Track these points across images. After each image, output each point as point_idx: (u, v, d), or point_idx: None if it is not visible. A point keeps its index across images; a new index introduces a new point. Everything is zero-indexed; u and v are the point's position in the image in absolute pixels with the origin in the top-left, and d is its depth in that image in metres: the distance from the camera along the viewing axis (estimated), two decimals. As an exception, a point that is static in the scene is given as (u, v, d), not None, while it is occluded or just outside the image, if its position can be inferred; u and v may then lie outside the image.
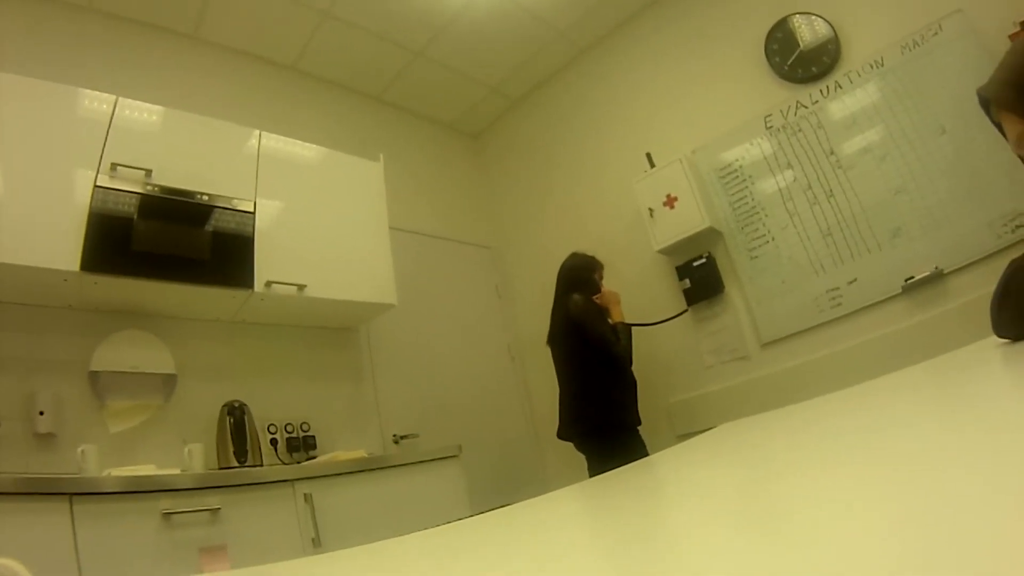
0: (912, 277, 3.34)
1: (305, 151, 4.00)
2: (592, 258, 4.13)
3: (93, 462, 2.94)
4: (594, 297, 3.91)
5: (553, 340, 4.00)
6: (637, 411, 3.83)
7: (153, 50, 4.13)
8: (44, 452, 3.12)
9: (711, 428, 3.84)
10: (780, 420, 1.53)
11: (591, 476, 3.63)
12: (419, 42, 4.74)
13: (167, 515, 2.46)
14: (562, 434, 3.88)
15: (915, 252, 3.37)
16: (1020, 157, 1.41)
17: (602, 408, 3.73)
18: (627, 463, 3.65)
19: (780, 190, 3.83)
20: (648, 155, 4.36)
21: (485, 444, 4.38)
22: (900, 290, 3.39)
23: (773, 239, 3.80)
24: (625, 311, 4.08)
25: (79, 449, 2.93)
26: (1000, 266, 1.30)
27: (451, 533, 1.11)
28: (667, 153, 4.28)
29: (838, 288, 3.60)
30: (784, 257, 3.78)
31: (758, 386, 3.82)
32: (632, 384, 3.86)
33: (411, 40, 4.73)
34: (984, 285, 3.05)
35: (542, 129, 5.49)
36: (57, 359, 3.27)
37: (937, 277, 3.29)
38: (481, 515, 1.30)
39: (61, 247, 2.88)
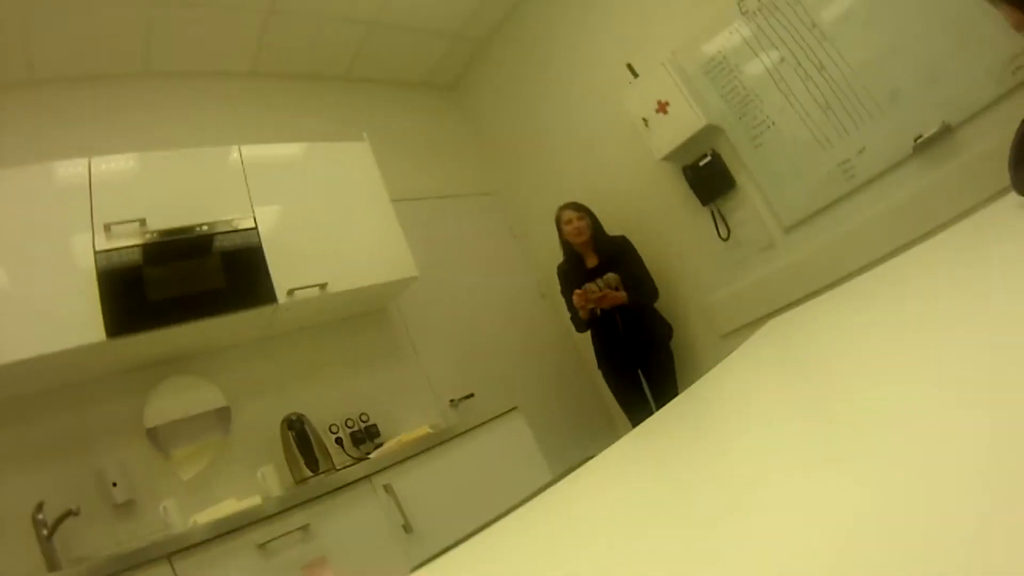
0: (921, 136, 3.23)
1: (288, 151, 3.93)
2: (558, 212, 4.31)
3: (177, 515, 3.01)
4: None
5: None
6: (611, 354, 4.19)
7: (109, 99, 4.04)
8: (128, 520, 3.19)
9: (752, 322, 3.93)
10: (826, 312, 1.49)
11: None
12: (370, 11, 4.61)
13: (262, 546, 2.50)
14: None
15: (918, 111, 3.26)
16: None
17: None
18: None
19: (769, 73, 3.70)
20: (629, 66, 4.24)
21: (540, 384, 4.38)
22: (911, 151, 3.29)
23: (773, 123, 3.70)
24: (638, 224, 4.34)
25: (161, 507, 3.00)
26: (1006, 112, 1.27)
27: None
28: (648, 60, 4.15)
29: (848, 160, 3.50)
30: (788, 139, 3.68)
31: (788, 271, 3.78)
32: (600, 333, 4.21)
33: (361, 12, 4.61)
34: (993, 133, 3.01)
35: (517, 65, 5.37)
36: (112, 427, 3.32)
37: (945, 132, 3.18)
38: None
39: (82, 322, 2.89)
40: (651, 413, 4.05)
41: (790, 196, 3.74)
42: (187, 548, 2.37)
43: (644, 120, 4.05)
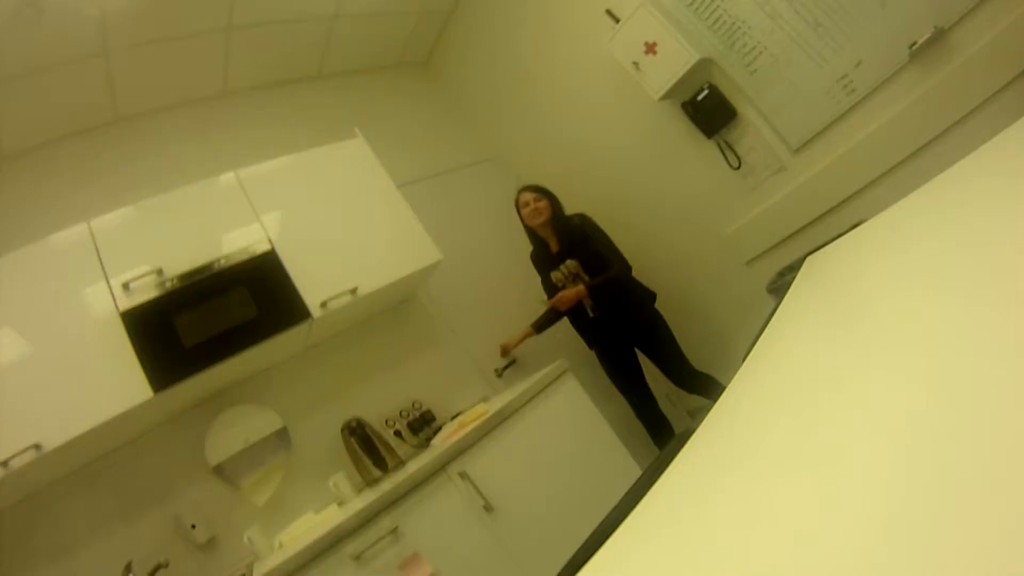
0: (915, 43, 3.16)
1: (285, 164, 3.87)
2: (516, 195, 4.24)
3: (262, 541, 3.06)
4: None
5: None
6: (594, 339, 4.20)
7: (87, 157, 3.97)
8: (214, 558, 3.28)
9: (775, 245, 3.93)
10: (870, 246, 1.44)
11: None
12: (327, 6, 4.53)
13: (357, 557, 2.54)
14: None
15: (909, 17, 3.17)
16: None
17: None
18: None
19: None
20: (609, 11, 4.14)
21: (576, 338, 4.37)
22: (908, 58, 3.22)
23: (765, 48, 3.59)
24: (645, 167, 4.45)
25: (245, 537, 3.05)
26: (996, 7, 1.23)
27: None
28: (627, 3, 3.99)
29: (847, 75, 3.42)
30: (782, 62, 3.59)
31: (803, 192, 3.75)
32: (575, 322, 4.21)
33: (320, 9, 4.52)
34: (986, 31, 2.96)
35: (490, 28, 5.24)
36: (178, 472, 3.39)
37: (939, 35, 3.10)
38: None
39: (126, 384, 2.92)
40: (647, 390, 4.04)
41: (794, 118, 3.67)
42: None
43: (635, 64, 3.96)
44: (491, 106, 5.51)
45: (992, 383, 0.50)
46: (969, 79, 3.03)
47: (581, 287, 3.87)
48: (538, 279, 4.24)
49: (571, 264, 4.00)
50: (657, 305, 4.07)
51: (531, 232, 4.20)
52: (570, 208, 4.15)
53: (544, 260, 4.17)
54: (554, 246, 4.11)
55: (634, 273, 4.04)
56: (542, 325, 4.25)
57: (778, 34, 3.54)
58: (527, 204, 4.08)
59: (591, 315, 4.00)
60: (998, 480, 0.40)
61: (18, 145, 3.78)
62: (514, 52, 5.10)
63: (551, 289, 4.03)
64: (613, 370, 4.18)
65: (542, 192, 4.12)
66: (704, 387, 3.82)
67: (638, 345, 4.10)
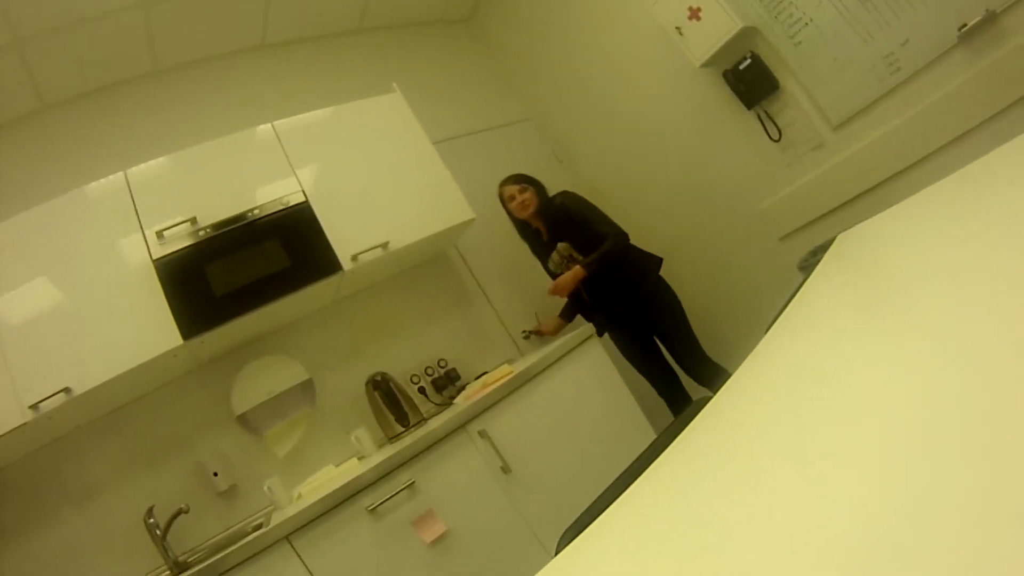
0: (965, 25, 3.04)
1: (321, 117, 3.86)
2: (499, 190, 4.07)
3: (282, 492, 3.10)
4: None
5: None
6: (594, 322, 3.93)
7: (125, 108, 3.98)
8: (234, 506, 3.36)
9: (810, 223, 3.88)
10: (902, 226, 1.41)
11: None
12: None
13: (372, 510, 2.58)
14: None
15: None
16: None
17: None
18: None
19: None
20: None
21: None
22: (956, 40, 3.11)
23: (811, 20, 3.49)
24: (686, 134, 4.32)
25: (265, 486, 3.09)
26: None
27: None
28: None
29: (893, 53, 3.31)
30: (828, 35, 3.48)
31: (841, 170, 3.67)
32: (578, 302, 4.09)
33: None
34: None
35: None
36: (203, 420, 3.46)
37: (990, 19, 2.99)
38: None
39: (157, 331, 2.97)
40: (665, 366, 3.92)
41: (836, 94, 3.58)
42: (304, 527, 2.46)
43: (678, 29, 3.88)
44: (531, 66, 5.42)
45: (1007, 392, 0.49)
46: (1019, 66, 2.94)
47: (577, 269, 3.70)
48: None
49: (562, 247, 3.86)
50: (681, 276, 3.98)
51: (521, 225, 4.06)
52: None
53: (538, 250, 4.06)
54: (544, 233, 3.97)
55: (641, 239, 3.92)
56: (569, 314, 4.18)
57: (825, 6, 3.44)
58: (512, 198, 3.93)
59: (585, 299, 3.95)
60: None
61: (58, 95, 3.80)
62: (558, 11, 5.00)
63: (552, 276, 3.90)
64: (627, 350, 4.05)
65: (526, 181, 3.98)
66: (711, 378, 3.65)
67: (645, 320, 3.92)
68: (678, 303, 3.83)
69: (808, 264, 3.31)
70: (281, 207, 3.42)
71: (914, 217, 1.36)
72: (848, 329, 1.00)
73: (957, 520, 0.40)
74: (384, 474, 2.67)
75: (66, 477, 3.13)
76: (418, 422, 3.51)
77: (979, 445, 0.45)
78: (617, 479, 1.12)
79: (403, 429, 3.47)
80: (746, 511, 0.62)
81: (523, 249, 4.15)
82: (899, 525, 0.43)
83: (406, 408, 3.55)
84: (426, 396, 3.91)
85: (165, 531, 2.97)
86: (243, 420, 3.48)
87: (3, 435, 2.68)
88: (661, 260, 3.89)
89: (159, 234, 3.12)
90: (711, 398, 1.09)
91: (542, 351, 3.49)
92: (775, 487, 0.62)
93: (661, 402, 3.93)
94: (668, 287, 3.84)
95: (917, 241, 1.20)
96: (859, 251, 1.45)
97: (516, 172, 4.03)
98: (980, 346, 0.60)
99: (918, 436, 0.52)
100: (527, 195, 3.89)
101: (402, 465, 2.72)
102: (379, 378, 3.62)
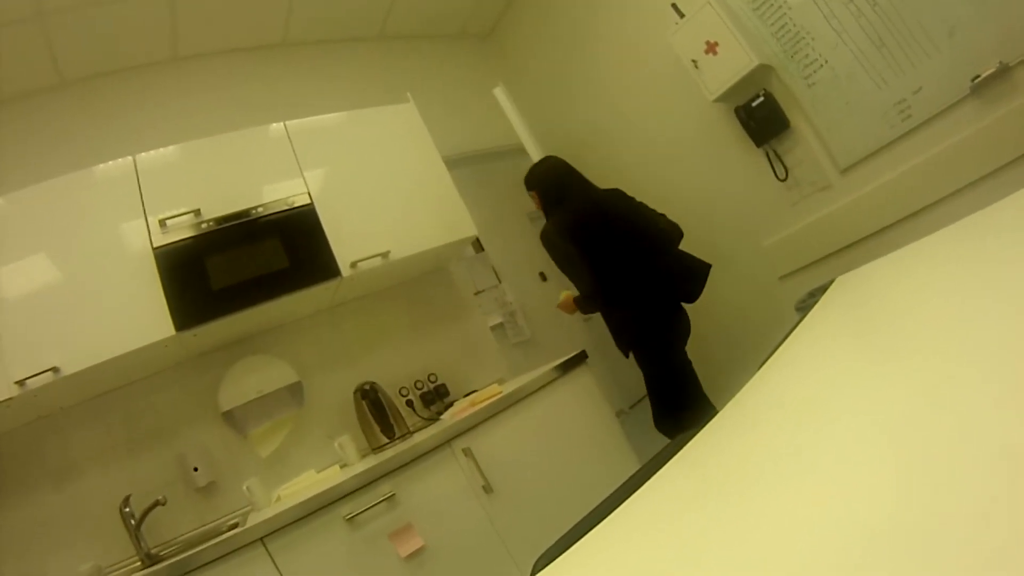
0: (978, 76, 3.07)
1: (334, 121, 3.87)
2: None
3: (261, 493, 3.08)
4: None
5: None
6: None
7: (140, 92, 3.99)
8: (211, 502, 3.33)
9: (810, 264, 3.88)
10: (901, 271, 1.41)
11: None
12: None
13: (350, 519, 2.55)
14: None
15: (975, 49, 3.08)
16: None
17: None
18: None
19: (819, 8, 3.48)
20: (674, 5, 4.04)
21: (596, 324, 4.33)
22: (968, 91, 3.13)
23: (827, 62, 3.51)
24: (694, 167, 4.34)
25: (244, 486, 3.07)
26: None
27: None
28: None
29: (905, 100, 3.33)
30: (842, 78, 3.51)
31: (845, 213, 3.68)
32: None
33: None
34: None
35: (554, 7, 5.16)
36: (188, 414, 3.43)
37: (1003, 72, 3.02)
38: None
39: (150, 319, 2.95)
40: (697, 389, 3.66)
41: (846, 137, 3.60)
42: (279, 529, 2.43)
43: (694, 62, 3.89)
44: (546, 88, 5.44)
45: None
46: (1026, 120, 2.94)
47: (567, 294, 3.71)
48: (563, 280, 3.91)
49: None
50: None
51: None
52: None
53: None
54: None
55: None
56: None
57: (841, 49, 3.45)
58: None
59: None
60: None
61: (76, 72, 3.80)
62: (577, 36, 5.02)
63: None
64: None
65: (527, 185, 3.94)
66: (669, 431, 3.50)
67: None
68: (650, 369, 3.62)
69: (805, 305, 3.31)
70: (285, 207, 3.41)
71: (913, 263, 1.37)
72: (840, 370, 1.00)
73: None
74: (365, 484, 2.64)
75: (47, 457, 3.10)
76: (403, 434, 3.50)
77: (971, 492, 0.44)
78: (597, 507, 1.11)
79: (388, 440, 3.45)
80: (726, 547, 0.62)
81: (522, 269, 4.13)
82: (885, 567, 0.43)
83: (392, 419, 3.54)
84: (413, 409, 3.90)
85: (140, 522, 2.95)
86: (229, 417, 3.46)
87: (-12, 407, 2.66)
88: (635, 325, 3.61)
89: (162, 222, 3.11)
90: (695, 433, 1.09)
91: (532, 373, 3.47)
92: (756, 524, 0.62)
93: (646, 432, 3.70)
94: (648, 349, 3.62)
95: (915, 286, 1.21)
96: (856, 294, 1.46)
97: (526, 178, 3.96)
98: (973, 391, 0.60)
99: (905, 478, 0.52)
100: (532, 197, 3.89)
101: (384, 476, 2.69)
102: (368, 387, 3.60)
